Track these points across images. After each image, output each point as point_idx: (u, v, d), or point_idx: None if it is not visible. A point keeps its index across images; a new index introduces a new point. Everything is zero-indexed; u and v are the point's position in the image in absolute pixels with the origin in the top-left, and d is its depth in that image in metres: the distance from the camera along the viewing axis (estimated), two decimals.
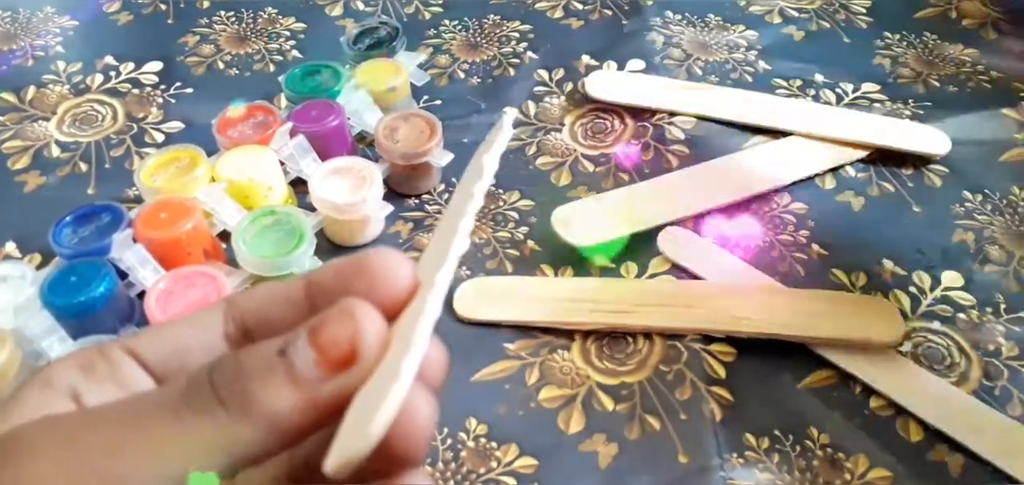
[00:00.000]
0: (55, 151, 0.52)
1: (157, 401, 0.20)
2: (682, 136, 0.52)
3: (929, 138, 0.52)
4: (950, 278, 0.45)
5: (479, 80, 0.58)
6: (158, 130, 0.53)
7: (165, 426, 0.20)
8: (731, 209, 0.48)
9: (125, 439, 0.20)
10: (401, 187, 0.49)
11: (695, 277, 0.44)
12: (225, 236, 0.44)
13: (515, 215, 0.48)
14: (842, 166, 0.51)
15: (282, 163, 0.47)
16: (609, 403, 0.40)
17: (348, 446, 0.19)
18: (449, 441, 0.38)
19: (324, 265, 0.25)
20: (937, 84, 0.58)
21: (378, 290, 0.23)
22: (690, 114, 0.54)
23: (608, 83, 0.56)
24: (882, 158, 0.52)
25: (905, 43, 0.61)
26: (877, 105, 0.56)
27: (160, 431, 0.19)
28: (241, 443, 0.20)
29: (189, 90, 0.56)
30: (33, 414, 0.21)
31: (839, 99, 0.56)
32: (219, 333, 0.24)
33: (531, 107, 0.55)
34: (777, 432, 0.39)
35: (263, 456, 0.20)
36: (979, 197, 0.49)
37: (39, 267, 0.43)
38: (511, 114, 0.24)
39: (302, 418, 0.20)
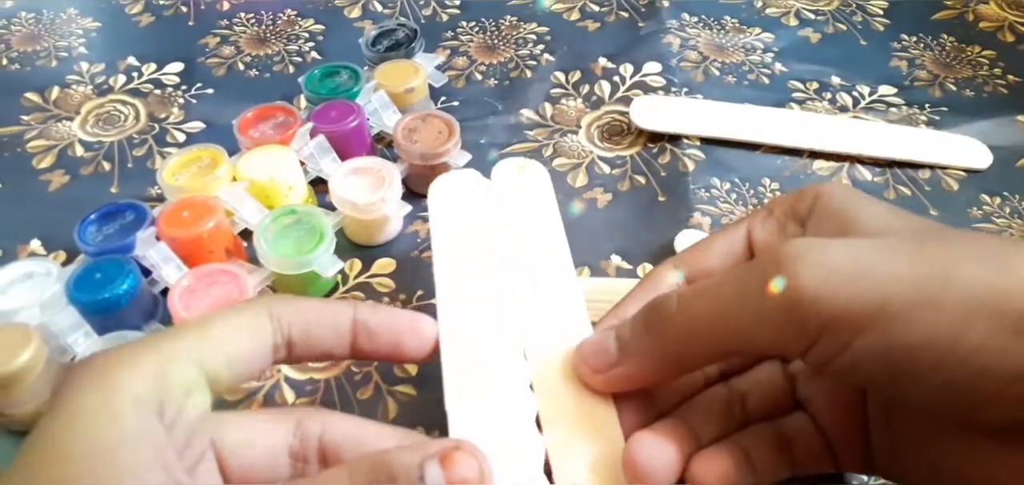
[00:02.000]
0: (79, 150, 0.53)
1: None
2: (702, 156, 0.52)
3: (973, 152, 0.52)
4: None
5: (496, 82, 0.58)
6: (179, 130, 0.54)
7: None
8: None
9: None
10: (419, 187, 0.49)
11: None
12: (247, 234, 0.45)
13: None
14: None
15: (302, 163, 0.47)
16: None
17: None
18: None
19: (372, 306, 0.30)
20: (953, 88, 0.58)
21: (419, 353, 0.30)
22: (733, 140, 0.53)
23: (654, 109, 0.54)
24: (899, 162, 0.52)
25: (922, 45, 0.61)
26: (893, 109, 0.56)
27: None
28: None
29: (210, 91, 0.57)
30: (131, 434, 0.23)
31: (856, 102, 0.56)
32: (287, 439, 0.28)
33: (548, 109, 0.56)
34: None
35: None
36: (998, 200, 0.49)
37: (64, 264, 0.43)
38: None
39: None
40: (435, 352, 0.30)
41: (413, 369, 0.40)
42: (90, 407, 0.23)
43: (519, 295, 0.34)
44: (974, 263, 0.23)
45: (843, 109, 0.56)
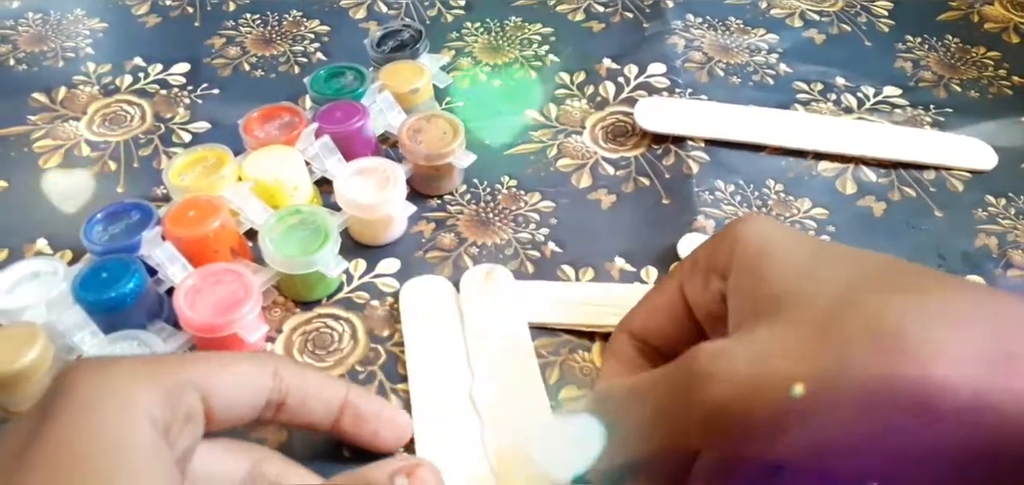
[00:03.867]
0: (85, 150, 0.53)
1: None
2: (706, 158, 0.52)
3: (978, 154, 0.52)
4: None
5: (501, 83, 0.58)
6: (185, 130, 0.54)
7: None
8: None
9: None
10: (424, 187, 0.49)
11: None
12: (252, 234, 0.45)
13: (536, 217, 0.48)
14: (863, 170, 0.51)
15: (307, 163, 0.47)
16: None
17: None
18: None
19: (364, 393, 0.34)
20: (958, 89, 0.58)
21: (395, 445, 0.35)
22: (738, 142, 0.53)
23: (658, 110, 0.54)
24: (904, 163, 0.52)
25: (927, 46, 0.61)
26: (898, 111, 0.56)
27: None
28: None
29: (215, 91, 0.57)
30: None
31: (860, 103, 0.56)
32: (243, 478, 0.31)
33: (552, 109, 0.56)
34: None
35: None
36: (1003, 201, 0.49)
37: (70, 263, 0.43)
38: None
39: None
40: (410, 442, 0.35)
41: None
42: (111, 422, 0.24)
43: (487, 395, 0.37)
44: (869, 350, 0.23)
45: (848, 110, 0.56)
